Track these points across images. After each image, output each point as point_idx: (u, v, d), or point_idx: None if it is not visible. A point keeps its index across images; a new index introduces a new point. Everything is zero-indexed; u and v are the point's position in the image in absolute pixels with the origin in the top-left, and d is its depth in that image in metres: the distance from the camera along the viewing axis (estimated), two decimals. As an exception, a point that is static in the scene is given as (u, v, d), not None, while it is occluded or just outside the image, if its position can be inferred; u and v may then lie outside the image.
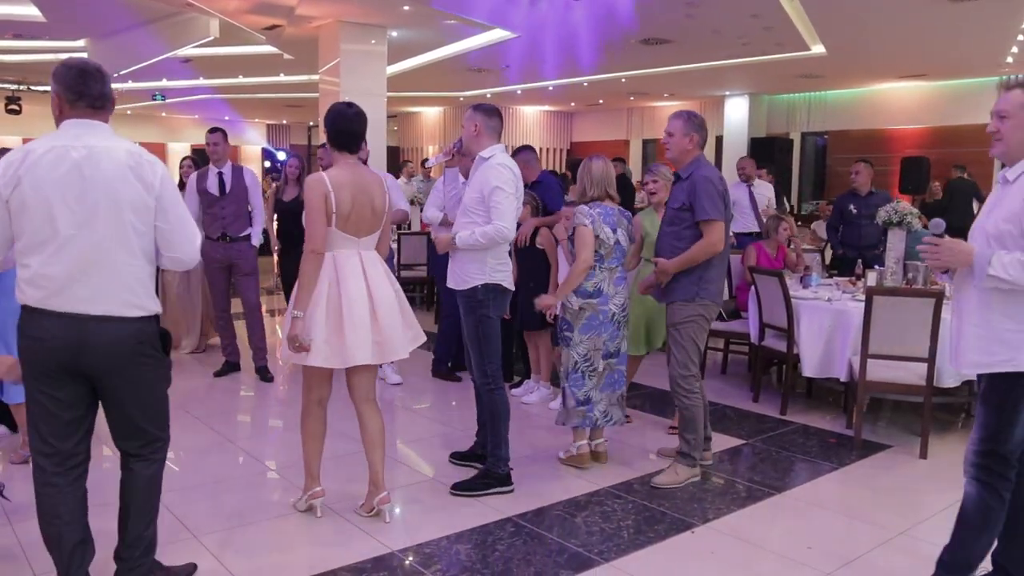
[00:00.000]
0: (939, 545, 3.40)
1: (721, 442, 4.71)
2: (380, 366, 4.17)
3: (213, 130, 6.00)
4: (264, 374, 6.05)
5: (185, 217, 2.69)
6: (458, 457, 4.30)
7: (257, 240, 6.07)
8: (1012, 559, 2.85)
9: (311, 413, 3.56)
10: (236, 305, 6.21)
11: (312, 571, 3.09)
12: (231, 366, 6.18)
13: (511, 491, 3.88)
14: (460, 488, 3.88)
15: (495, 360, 3.88)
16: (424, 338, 3.63)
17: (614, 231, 4.15)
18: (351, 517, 3.57)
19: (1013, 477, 2.73)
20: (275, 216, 7.05)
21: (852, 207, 6.71)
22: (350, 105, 3.47)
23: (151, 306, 2.62)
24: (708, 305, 3.97)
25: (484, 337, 3.85)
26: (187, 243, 2.68)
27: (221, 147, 5.95)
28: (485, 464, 3.97)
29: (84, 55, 11.02)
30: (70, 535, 2.64)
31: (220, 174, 5.93)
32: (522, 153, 5.66)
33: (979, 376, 2.82)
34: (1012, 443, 2.69)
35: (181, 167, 7.30)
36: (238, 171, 6.03)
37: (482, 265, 3.78)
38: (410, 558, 3.21)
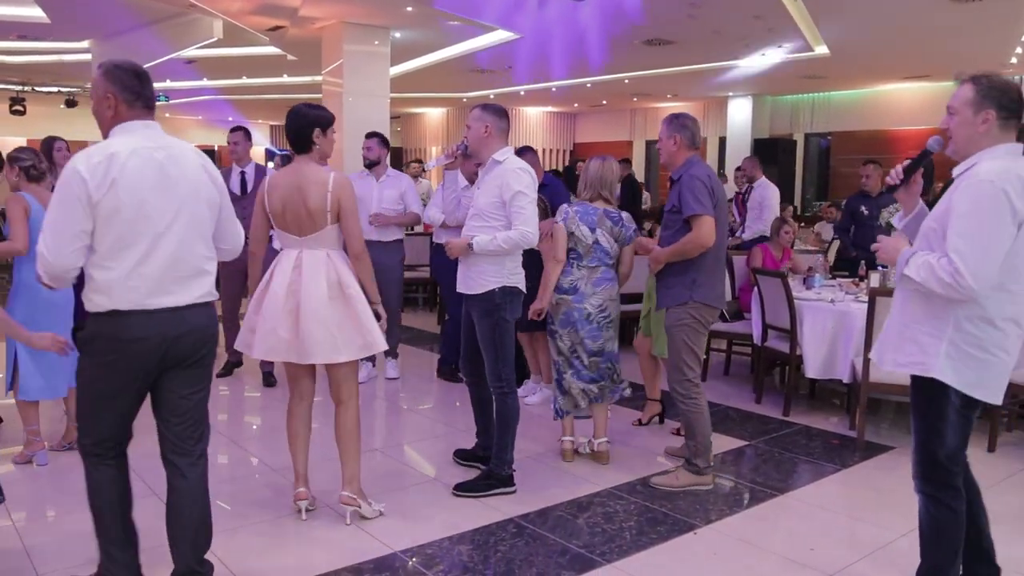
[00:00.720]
0: (942, 547, 3.41)
1: (724, 443, 4.71)
2: (364, 361, 4.19)
3: (235, 129, 5.92)
4: (268, 379, 5.98)
5: (233, 210, 2.91)
6: (462, 456, 4.31)
7: (277, 244, 5.91)
8: (969, 558, 2.83)
9: (292, 411, 3.61)
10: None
11: (314, 572, 3.09)
12: (234, 364, 6.13)
13: (513, 492, 3.89)
14: (462, 488, 3.88)
15: (510, 364, 3.87)
16: (377, 350, 3.45)
17: (592, 230, 4.16)
18: (354, 518, 3.57)
19: (959, 485, 2.67)
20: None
21: (863, 208, 6.64)
22: (302, 107, 3.48)
23: (216, 291, 2.78)
24: (702, 308, 3.90)
25: (500, 341, 3.82)
26: (239, 235, 2.95)
27: (242, 146, 5.88)
28: (488, 465, 3.98)
29: (88, 57, 11.07)
30: (125, 508, 2.75)
31: (243, 174, 5.82)
32: (527, 155, 5.66)
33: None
34: (946, 449, 2.63)
35: None
36: (260, 171, 5.87)
37: (500, 268, 3.78)
38: (412, 559, 3.22)
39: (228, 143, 5.91)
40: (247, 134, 5.96)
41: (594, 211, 4.19)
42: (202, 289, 2.68)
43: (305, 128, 3.42)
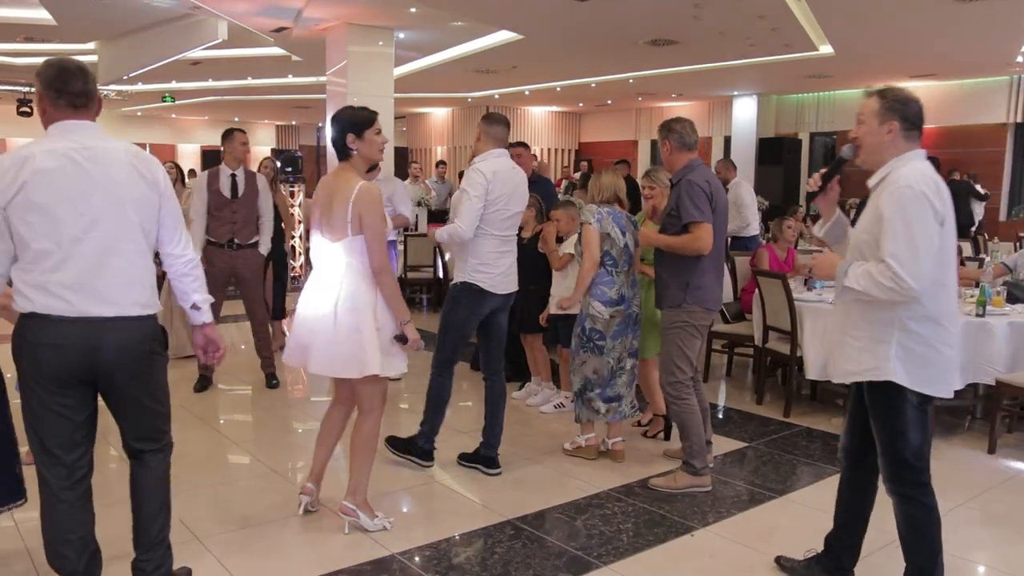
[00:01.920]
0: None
1: (724, 444, 4.71)
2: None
3: (243, 131, 5.76)
4: (270, 380, 5.96)
5: (181, 216, 2.74)
6: (465, 459, 4.33)
7: (265, 248, 5.81)
8: (840, 541, 3.08)
9: (327, 413, 3.65)
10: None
11: (312, 574, 3.11)
12: (206, 380, 5.84)
13: (430, 466, 4.22)
14: (389, 441, 4.30)
15: (445, 352, 4.17)
16: (369, 372, 3.27)
17: (623, 233, 4.23)
18: (351, 528, 3.58)
19: (928, 481, 2.78)
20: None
21: None
22: (338, 111, 3.46)
23: (156, 303, 2.63)
24: (696, 312, 3.92)
25: (445, 327, 4.15)
26: (181, 241, 2.72)
27: (249, 149, 5.80)
28: (418, 432, 4.25)
29: (94, 58, 11.11)
30: (82, 550, 2.63)
31: (233, 176, 5.61)
32: (513, 147, 5.75)
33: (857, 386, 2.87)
34: (911, 449, 2.73)
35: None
36: (251, 175, 5.75)
37: (464, 264, 4.05)
38: (409, 560, 3.23)
39: (240, 144, 5.65)
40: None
41: (620, 214, 4.28)
42: (130, 299, 2.52)
43: (338, 134, 3.36)
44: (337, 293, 3.27)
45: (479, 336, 4.31)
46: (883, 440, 2.78)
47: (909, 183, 2.58)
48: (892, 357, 2.66)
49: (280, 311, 7.10)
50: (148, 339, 2.59)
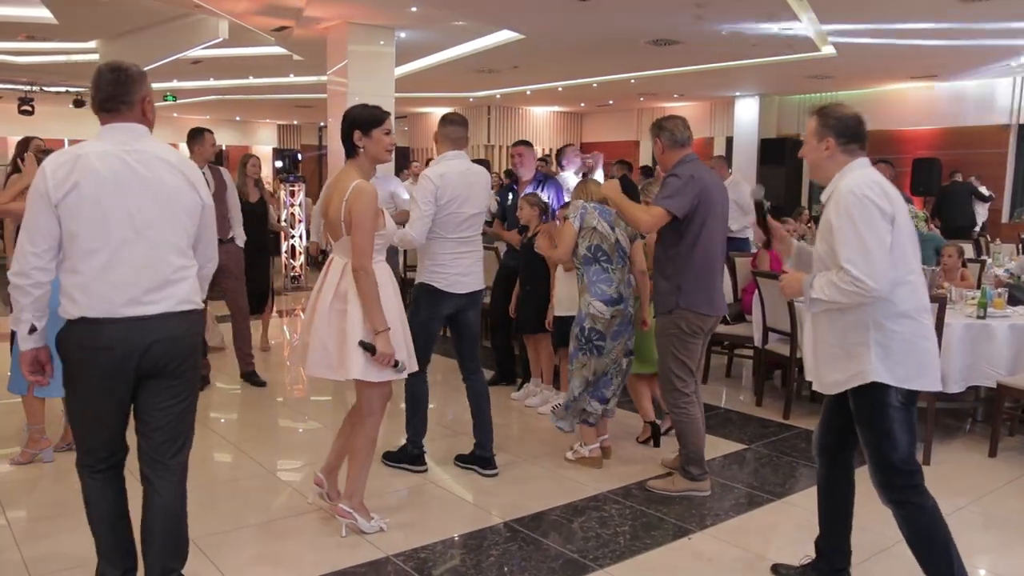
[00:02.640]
0: (938, 554, 3.38)
1: (723, 446, 4.69)
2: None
3: (211, 131, 5.79)
4: (254, 379, 5.97)
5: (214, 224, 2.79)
6: (461, 460, 4.32)
7: (241, 240, 5.91)
8: (828, 543, 3.08)
9: (351, 411, 3.60)
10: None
11: (306, 575, 3.09)
12: (204, 379, 5.78)
13: (424, 470, 4.20)
14: (384, 457, 4.26)
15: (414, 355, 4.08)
16: (344, 377, 3.24)
17: (612, 228, 4.19)
18: (348, 530, 3.56)
19: (920, 483, 2.77)
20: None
21: None
22: (349, 109, 3.43)
23: (200, 302, 2.68)
24: (690, 316, 3.82)
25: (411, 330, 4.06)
26: (214, 253, 2.82)
27: (216, 148, 5.88)
28: (406, 440, 4.26)
29: (96, 57, 11.12)
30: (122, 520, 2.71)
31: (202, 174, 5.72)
32: (515, 147, 5.83)
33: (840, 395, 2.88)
34: (901, 451, 2.73)
35: None
36: (216, 171, 5.74)
37: (422, 266, 4.12)
38: (405, 563, 3.21)
39: (207, 144, 5.69)
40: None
41: (609, 211, 4.21)
42: (175, 297, 2.55)
43: (345, 131, 3.33)
44: (331, 293, 3.25)
45: (452, 337, 4.34)
46: (870, 443, 2.79)
47: (851, 189, 2.70)
48: (872, 358, 2.70)
49: (261, 306, 6.98)
50: (194, 332, 2.66)
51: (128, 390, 2.55)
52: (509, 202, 5.90)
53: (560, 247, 4.23)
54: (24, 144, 4.92)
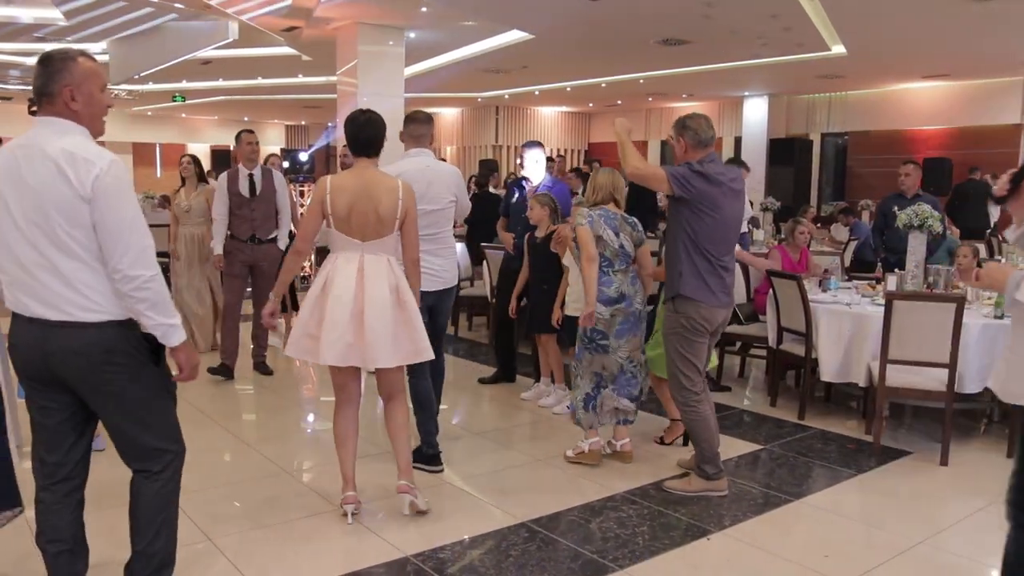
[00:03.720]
0: (960, 555, 3.38)
1: (738, 447, 4.67)
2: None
3: (251, 131, 6.10)
4: (264, 368, 6.22)
5: (128, 227, 2.33)
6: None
7: (284, 243, 6.10)
8: None
9: (340, 413, 3.59)
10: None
11: (325, 575, 3.09)
12: (227, 370, 5.99)
13: (441, 470, 4.19)
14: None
15: None
16: (427, 357, 3.49)
17: (616, 235, 4.21)
18: (365, 520, 3.57)
19: None
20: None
21: (896, 209, 6.47)
22: (363, 112, 3.57)
23: (119, 311, 2.37)
24: (689, 308, 3.80)
25: None
26: (124, 256, 2.31)
27: (259, 147, 6.09)
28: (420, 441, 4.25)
29: (106, 58, 11.14)
30: (53, 549, 2.54)
31: (251, 175, 5.96)
32: (528, 149, 5.88)
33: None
34: None
35: (180, 164, 7.07)
36: (268, 173, 6.08)
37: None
38: (423, 563, 3.20)
39: (247, 143, 5.97)
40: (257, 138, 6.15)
41: (614, 215, 4.25)
42: (74, 304, 2.33)
43: (373, 134, 3.49)
44: (386, 288, 3.36)
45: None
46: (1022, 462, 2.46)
47: None
48: None
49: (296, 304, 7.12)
50: (103, 349, 2.36)
51: (57, 394, 2.43)
52: (514, 200, 5.89)
53: (586, 249, 4.16)
54: None
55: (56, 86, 2.34)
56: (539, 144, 5.98)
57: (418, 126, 4.17)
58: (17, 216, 2.32)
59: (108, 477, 2.58)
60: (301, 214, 5.95)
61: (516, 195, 5.90)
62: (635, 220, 4.37)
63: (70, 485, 2.55)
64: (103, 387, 2.41)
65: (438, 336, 4.32)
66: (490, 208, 7.26)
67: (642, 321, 4.32)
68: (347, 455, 3.58)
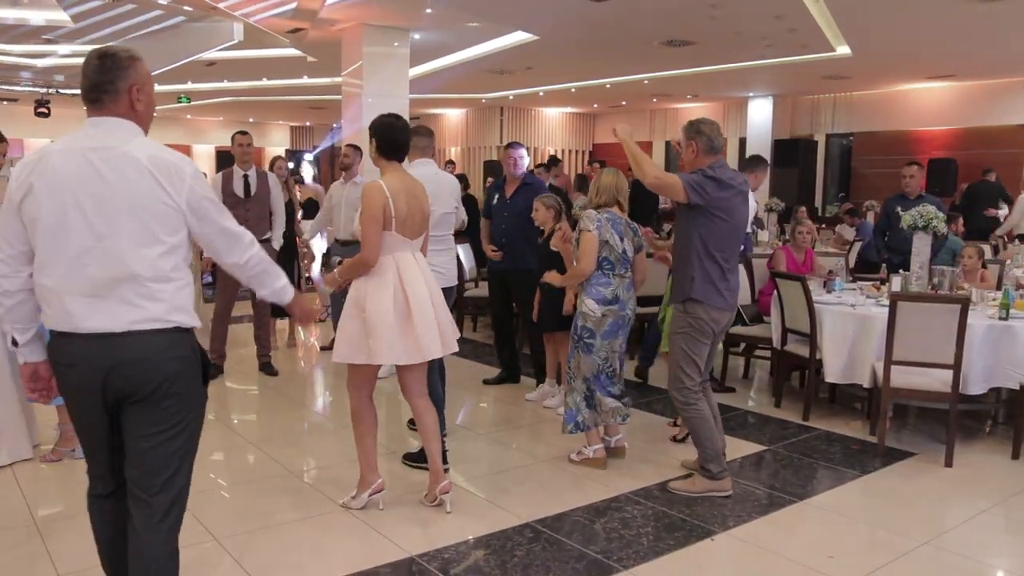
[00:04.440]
0: (965, 556, 3.38)
1: (742, 448, 4.68)
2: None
3: (244, 132, 6.14)
4: (269, 369, 6.26)
5: (223, 226, 2.38)
6: (411, 459, 4.33)
7: (278, 243, 6.17)
8: None
9: (365, 407, 3.67)
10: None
11: (330, 575, 3.10)
12: (217, 369, 6.07)
13: (446, 470, 4.11)
14: (408, 457, 4.27)
15: None
16: (455, 348, 3.71)
17: (621, 239, 4.25)
18: (370, 521, 3.58)
19: None
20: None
21: (900, 210, 6.47)
22: (397, 117, 3.68)
23: (186, 320, 2.32)
24: (699, 310, 3.85)
25: None
26: (246, 247, 2.43)
27: (251, 149, 6.12)
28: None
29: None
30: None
31: (245, 176, 6.02)
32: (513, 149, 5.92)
33: None
34: None
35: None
36: (262, 175, 6.14)
37: None
38: (428, 563, 3.22)
39: (239, 145, 6.07)
40: (251, 138, 6.19)
41: (620, 220, 4.28)
42: (144, 313, 2.22)
43: (407, 138, 3.66)
44: (423, 285, 3.52)
45: None
46: None
47: None
48: None
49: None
50: (173, 355, 2.28)
51: (102, 411, 2.29)
52: (495, 202, 5.91)
53: (585, 260, 4.20)
54: None
55: (123, 83, 2.25)
56: (520, 144, 6.02)
57: (422, 139, 4.39)
58: (98, 224, 2.17)
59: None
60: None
61: (496, 197, 5.93)
62: (636, 226, 4.42)
63: (114, 495, 2.44)
64: (167, 399, 2.27)
65: None
66: None
67: (627, 328, 4.36)
68: (373, 445, 3.70)
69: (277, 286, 2.56)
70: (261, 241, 5.93)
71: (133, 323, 2.22)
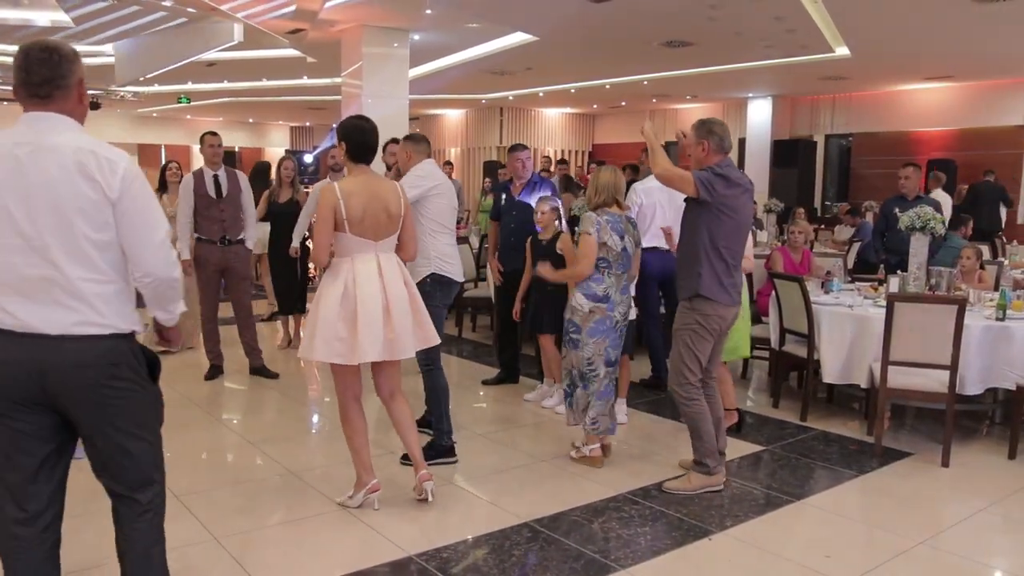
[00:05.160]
0: (961, 555, 3.40)
1: (740, 448, 4.69)
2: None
3: (213, 133, 6.07)
4: (265, 372, 6.19)
5: (155, 225, 2.27)
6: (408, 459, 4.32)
7: (252, 244, 6.14)
8: None
9: (351, 408, 3.68)
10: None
11: (329, 575, 3.11)
12: (217, 369, 6.15)
13: (455, 462, 4.33)
14: (406, 459, 4.13)
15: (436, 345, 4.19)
16: (437, 341, 3.78)
17: (621, 238, 4.26)
18: (368, 520, 3.60)
19: None
20: (269, 219, 7.02)
21: (898, 211, 6.47)
22: (366, 120, 3.70)
23: (123, 324, 2.24)
24: (706, 307, 3.88)
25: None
26: (154, 256, 2.26)
27: (221, 149, 6.07)
28: (431, 438, 4.36)
29: (111, 60, 11.19)
30: None
31: (216, 177, 5.93)
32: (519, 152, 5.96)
33: None
34: None
35: (168, 169, 7.26)
36: (232, 175, 6.04)
37: (425, 259, 4.28)
38: (427, 562, 3.23)
39: (209, 146, 5.97)
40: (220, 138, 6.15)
41: (619, 218, 4.28)
42: (81, 317, 2.15)
43: (376, 141, 3.67)
44: (401, 283, 3.58)
45: None
46: None
47: None
48: None
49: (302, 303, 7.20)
50: (109, 361, 2.21)
51: (41, 418, 2.22)
52: (503, 203, 5.92)
53: (584, 262, 4.23)
54: None
55: (73, 78, 2.22)
56: (525, 147, 6.02)
57: (425, 145, 4.53)
58: (22, 222, 2.11)
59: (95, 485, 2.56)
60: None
61: (504, 198, 5.93)
62: (636, 220, 4.43)
63: (52, 524, 2.34)
64: (108, 402, 2.22)
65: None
66: None
67: (616, 332, 4.31)
68: (364, 444, 3.70)
69: (173, 310, 2.41)
70: (236, 241, 5.96)
71: (69, 326, 2.15)
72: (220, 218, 5.91)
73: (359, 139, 3.63)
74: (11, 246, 2.12)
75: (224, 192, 5.92)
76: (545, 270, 4.58)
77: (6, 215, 2.11)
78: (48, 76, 2.17)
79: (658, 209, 5.51)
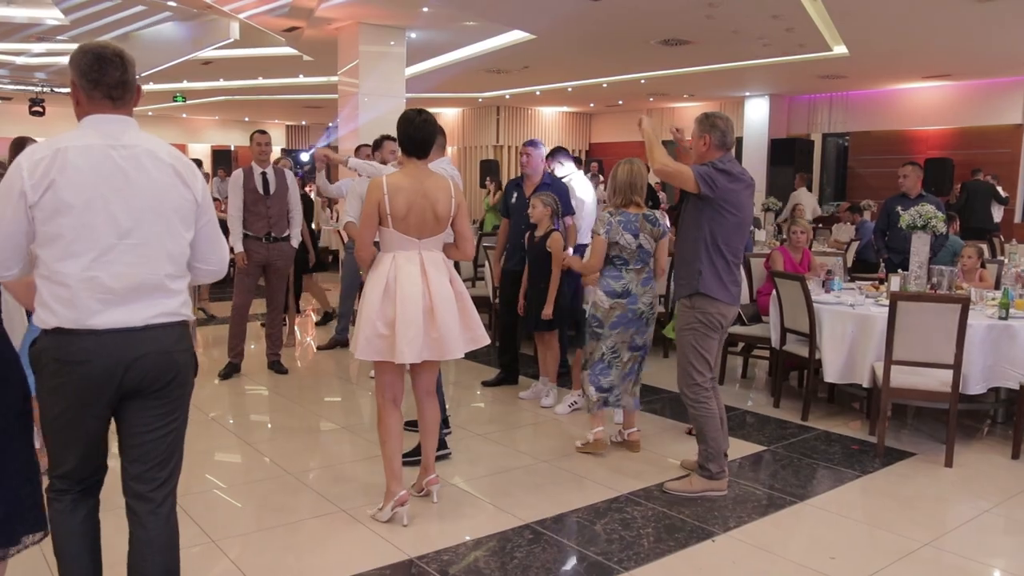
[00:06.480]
0: (965, 556, 3.37)
1: (742, 448, 4.66)
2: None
3: (263, 132, 6.23)
4: (279, 367, 6.30)
5: (218, 226, 2.48)
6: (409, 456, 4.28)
7: (296, 241, 6.28)
8: None
9: (388, 411, 3.58)
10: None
11: (330, 577, 3.08)
12: (234, 367, 6.19)
13: (448, 454, 4.39)
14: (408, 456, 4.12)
15: None
16: (487, 341, 3.69)
17: (636, 236, 4.26)
18: (369, 522, 3.56)
19: None
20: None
21: (900, 210, 6.45)
22: (419, 112, 3.59)
23: (188, 312, 2.39)
24: (707, 304, 3.85)
25: None
26: (224, 254, 2.50)
27: (269, 148, 6.21)
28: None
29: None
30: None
31: (264, 174, 6.10)
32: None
33: None
34: None
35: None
36: (280, 173, 6.21)
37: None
38: (428, 564, 3.19)
39: (258, 144, 6.15)
40: (270, 137, 6.29)
41: (634, 217, 4.29)
42: (162, 308, 2.28)
43: (430, 134, 3.54)
44: (447, 281, 3.49)
45: None
46: None
47: None
48: None
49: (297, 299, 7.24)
50: (181, 347, 2.34)
51: (107, 408, 2.28)
52: (514, 200, 5.87)
53: (593, 259, 4.33)
54: (19, 145, 4.78)
55: (135, 83, 2.32)
56: (534, 143, 5.94)
57: (442, 138, 4.42)
58: (124, 223, 2.19)
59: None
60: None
61: (515, 195, 5.89)
62: (655, 216, 4.37)
63: (95, 487, 2.45)
64: (176, 390, 2.35)
65: None
66: None
67: (642, 322, 4.38)
68: (398, 451, 3.57)
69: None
70: (281, 239, 6.11)
71: (151, 317, 2.27)
72: (266, 215, 6.04)
73: (403, 130, 3.53)
74: (110, 246, 2.20)
75: (272, 189, 6.07)
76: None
77: (108, 216, 2.19)
78: (121, 79, 2.27)
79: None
